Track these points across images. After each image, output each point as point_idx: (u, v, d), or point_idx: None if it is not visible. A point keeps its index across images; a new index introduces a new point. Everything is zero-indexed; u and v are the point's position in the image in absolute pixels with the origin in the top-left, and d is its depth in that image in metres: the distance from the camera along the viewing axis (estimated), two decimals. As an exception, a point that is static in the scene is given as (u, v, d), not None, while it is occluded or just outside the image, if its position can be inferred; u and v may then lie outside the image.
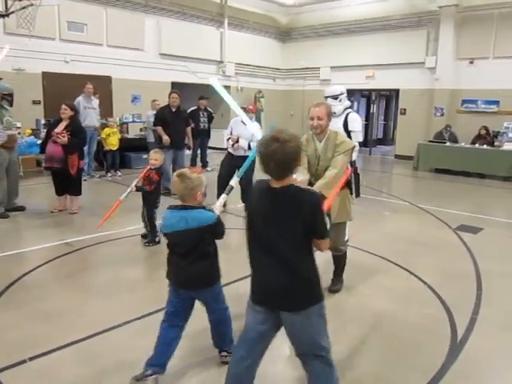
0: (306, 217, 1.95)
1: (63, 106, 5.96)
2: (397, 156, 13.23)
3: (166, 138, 7.35)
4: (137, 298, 3.65)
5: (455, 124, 11.69)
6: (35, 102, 9.85)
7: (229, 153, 6.50)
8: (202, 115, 9.71)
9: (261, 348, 2.16)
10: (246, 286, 3.82)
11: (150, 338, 3.00)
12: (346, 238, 4.14)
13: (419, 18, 12.35)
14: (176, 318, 2.59)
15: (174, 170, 7.82)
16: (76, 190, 6.15)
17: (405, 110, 13.08)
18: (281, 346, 2.71)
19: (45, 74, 9.92)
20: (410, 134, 12.44)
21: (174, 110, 7.52)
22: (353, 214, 3.76)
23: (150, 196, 4.92)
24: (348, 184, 3.65)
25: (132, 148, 10.06)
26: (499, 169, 9.91)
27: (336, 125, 4.54)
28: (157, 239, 4.91)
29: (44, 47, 9.65)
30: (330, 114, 3.57)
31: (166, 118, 7.46)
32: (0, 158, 5.86)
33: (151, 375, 2.46)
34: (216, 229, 2.51)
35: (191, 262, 2.49)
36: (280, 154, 1.89)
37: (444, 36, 11.84)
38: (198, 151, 9.87)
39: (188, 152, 8.76)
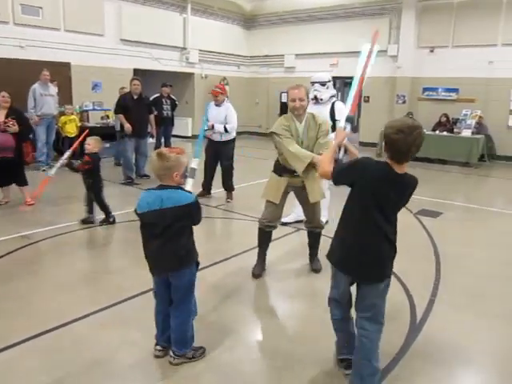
0: (408, 198, 2.29)
1: (5, 94, 5.71)
2: (361, 143, 13.42)
3: (127, 126, 7.19)
4: (98, 290, 3.57)
5: (417, 111, 11.95)
6: (-12, 90, 9.39)
7: (209, 139, 6.38)
8: (165, 103, 9.53)
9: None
10: (212, 275, 3.82)
11: (112, 331, 2.96)
12: (326, 220, 4.74)
13: (382, 6, 12.48)
14: (159, 304, 2.65)
15: (136, 160, 7.68)
16: (23, 180, 5.86)
17: (368, 97, 13.25)
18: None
19: (-2, 60, 9.46)
20: (374, 122, 12.62)
21: (135, 97, 7.35)
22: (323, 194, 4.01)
23: (93, 180, 5.15)
24: None
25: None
26: (458, 155, 10.22)
27: (322, 112, 4.51)
28: (111, 219, 5.14)
29: (-4, 31, 9.21)
30: (308, 95, 3.69)
31: (127, 105, 7.29)
32: None
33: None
34: (193, 210, 2.46)
35: (164, 242, 2.45)
36: (420, 139, 2.11)
37: (405, 24, 12.04)
38: (162, 140, 9.70)
39: (151, 140, 8.59)
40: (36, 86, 8.19)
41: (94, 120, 10.39)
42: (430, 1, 11.68)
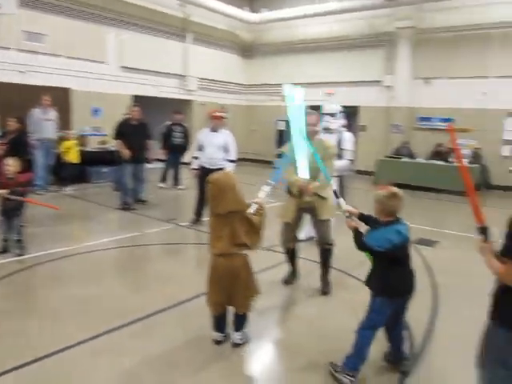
0: None
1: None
2: (358, 171, 13.47)
3: (124, 152, 7.21)
4: (92, 316, 3.52)
5: (412, 140, 12.11)
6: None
7: (203, 167, 6.29)
8: (175, 130, 9.56)
9: None
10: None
11: (107, 357, 2.92)
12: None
13: (378, 38, 12.80)
14: None
15: (133, 185, 7.67)
16: None
17: (364, 126, 13.42)
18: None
19: (-2, 84, 9.56)
20: (370, 150, 12.75)
21: (134, 123, 7.42)
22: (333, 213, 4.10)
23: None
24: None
25: (92, 161, 9.79)
26: (454, 184, 10.29)
27: (330, 140, 4.75)
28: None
29: (-2, 57, 9.34)
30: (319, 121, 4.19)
31: (126, 131, 7.34)
32: None
33: None
34: None
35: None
36: None
37: (401, 56, 12.33)
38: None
39: (149, 166, 8.60)
40: (35, 110, 8.26)
41: (93, 145, 10.45)
42: (426, 34, 12.00)
